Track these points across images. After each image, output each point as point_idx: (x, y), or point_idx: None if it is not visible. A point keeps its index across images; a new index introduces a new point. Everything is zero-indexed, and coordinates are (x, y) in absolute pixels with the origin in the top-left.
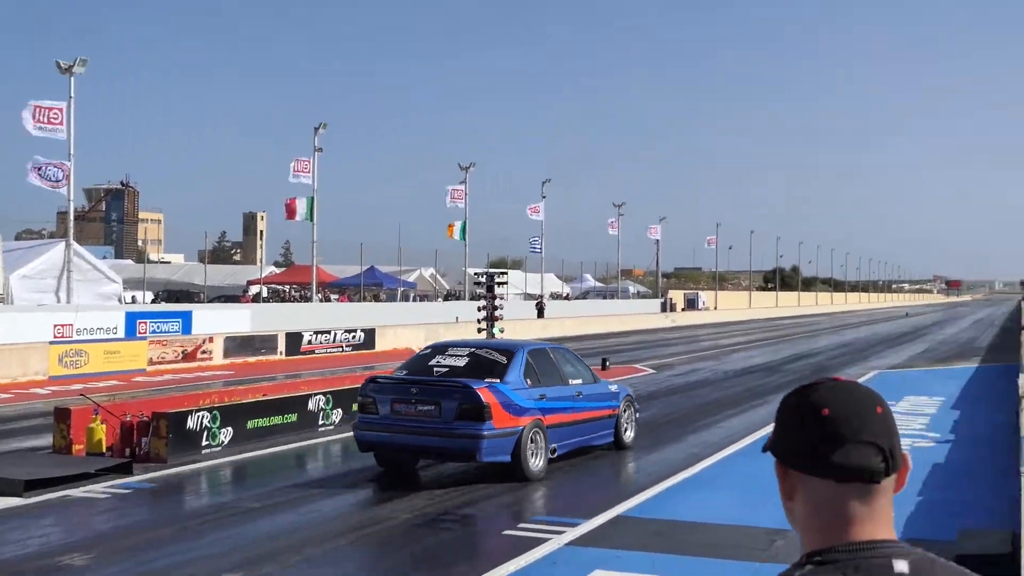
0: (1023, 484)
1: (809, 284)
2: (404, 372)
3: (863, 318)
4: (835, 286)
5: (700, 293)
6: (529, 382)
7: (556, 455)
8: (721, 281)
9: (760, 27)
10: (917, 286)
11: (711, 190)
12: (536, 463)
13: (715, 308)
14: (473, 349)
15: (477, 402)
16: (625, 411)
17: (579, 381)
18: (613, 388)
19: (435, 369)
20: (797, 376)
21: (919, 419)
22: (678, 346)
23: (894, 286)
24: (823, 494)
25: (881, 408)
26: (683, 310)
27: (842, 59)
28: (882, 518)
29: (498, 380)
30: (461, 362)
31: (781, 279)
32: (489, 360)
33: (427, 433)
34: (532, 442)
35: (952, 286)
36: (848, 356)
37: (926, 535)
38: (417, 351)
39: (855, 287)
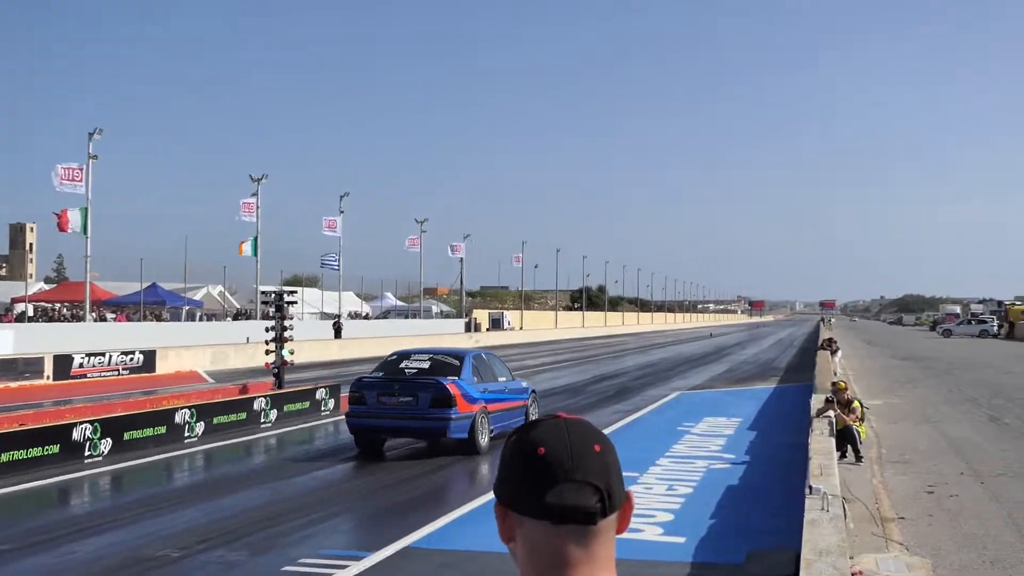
0: (807, 505)
1: (616, 304)
2: (380, 374)
3: (669, 338)
4: (642, 306)
5: (506, 313)
6: (476, 379)
7: (493, 434)
8: (527, 300)
9: (562, 41)
10: (722, 306)
11: (517, 207)
12: (483, 439)
13: (521, 328)
14: (431, 355)
15: (446, 393)
16: (532, 404)
17: (504, 379)
18: (524, 385)
19: (406, 370)
20: (600, 397)
21: (717, 440)
22: None
23: (700, 306)
24: (539, 537)
25: (600, 446)
26: (488, 330)
27: (646, 77)
28: (601, 561)
29: (457, 377)
30: (425, 365)
31: (588, 299)
32: (446, 363)
33: (408, 418)
34: (481, 423)
35: (755, 307)
36: (651, 376)
37: (716, 558)
38: (203, 372)
39: (661, 307)
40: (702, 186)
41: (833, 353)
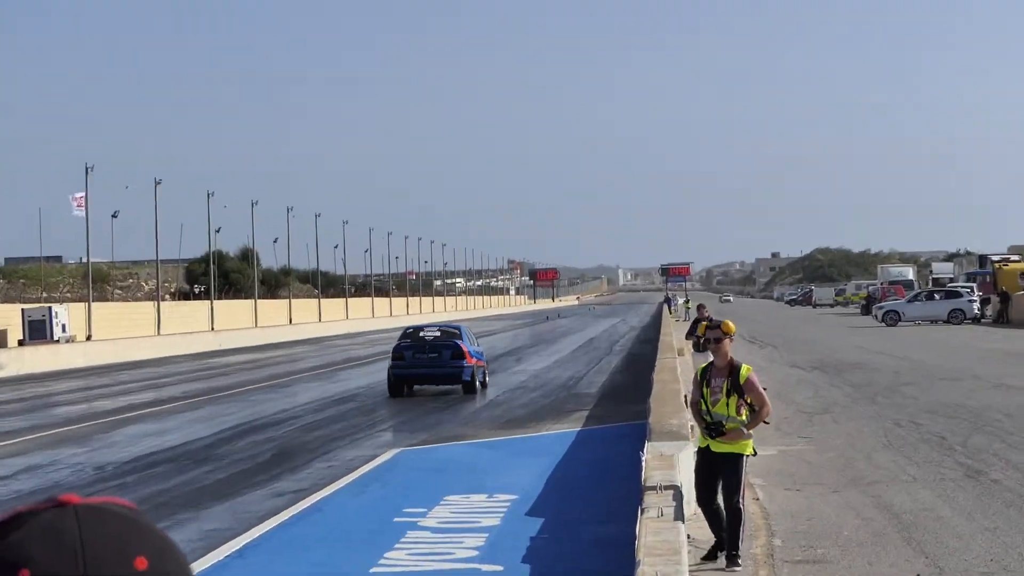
0: None
1: (277, 284)
2: (408, 340)
3: (379, 347)
4: (328, 286)
5: (58, 308)
6: (469, 342)
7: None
8: (100, 282)
9: None
10: (482, 281)
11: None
12: (478, 384)
13: (89, 338)
14: (439, 327)
15: (460, 351)
16: (486, 363)
17: (476, 343)
18: (481, 348)
19: (426, 337)
20: (246, 467)
21: (469, 539)
22: (12, 418)
23: (444, 283)
24: None
25: (149, 557)
26: (23, 343)
27: None
28: None
29: (461, 340)
30: (438, 333)
31: (222, 275)
32: (450, 332)
33: (435, 367)
34: (477, 372)
35: (542, 279)
36: (344, 423)
37: None
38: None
39: (364, 288)
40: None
41: (703, 347)
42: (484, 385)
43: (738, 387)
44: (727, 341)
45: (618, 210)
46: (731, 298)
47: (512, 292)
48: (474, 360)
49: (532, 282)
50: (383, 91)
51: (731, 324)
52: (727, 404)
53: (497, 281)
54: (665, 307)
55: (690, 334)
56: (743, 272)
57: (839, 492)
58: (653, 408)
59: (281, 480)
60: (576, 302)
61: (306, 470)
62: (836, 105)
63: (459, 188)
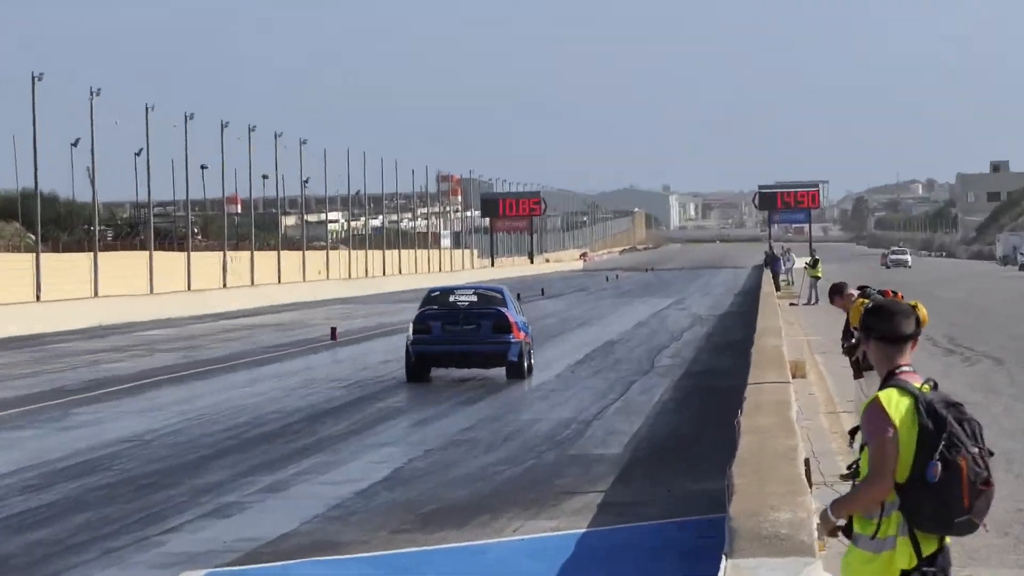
0: None
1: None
2: (435, 307)
3: (170, 352)
4: (59, 227)
5: None
6: (514, 310)
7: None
8: None
9: None
10: (381, 219)
11: None
12: (527, 365)
13: None
14: (473, 290)
15: (506, 321)
16: (531, 339)
17: (521, 311)
18: (526, 318)
19: (458, 303)
20: None
21: None
22: None
23: (292, 225)
24: None
25: None
26: None
27: None
28: None
29: (505, 308)
30: (474, 298)
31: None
32: (490, 296)
33: (472, 342)
34: (525, 351)
35: (510, 216)
36: (91, 514)
37: None
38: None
39: (134, 232)
40: None
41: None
42: (530, 369)
43: None
44: (867, 345)
45: (665, 89)
46: (908, 256)
47: (446, 243)
48: (522, 334)
49: (487, 221)
50: None
51: (858, 309)
52: (860, 462)
53: (414, 220)
54: (767, 272)
55: (846, 338)
56: (931, 203)
57: None
58: (738, 487)
59: None
60: (580, 262)
61: None
62: None
63: (343, 43)
